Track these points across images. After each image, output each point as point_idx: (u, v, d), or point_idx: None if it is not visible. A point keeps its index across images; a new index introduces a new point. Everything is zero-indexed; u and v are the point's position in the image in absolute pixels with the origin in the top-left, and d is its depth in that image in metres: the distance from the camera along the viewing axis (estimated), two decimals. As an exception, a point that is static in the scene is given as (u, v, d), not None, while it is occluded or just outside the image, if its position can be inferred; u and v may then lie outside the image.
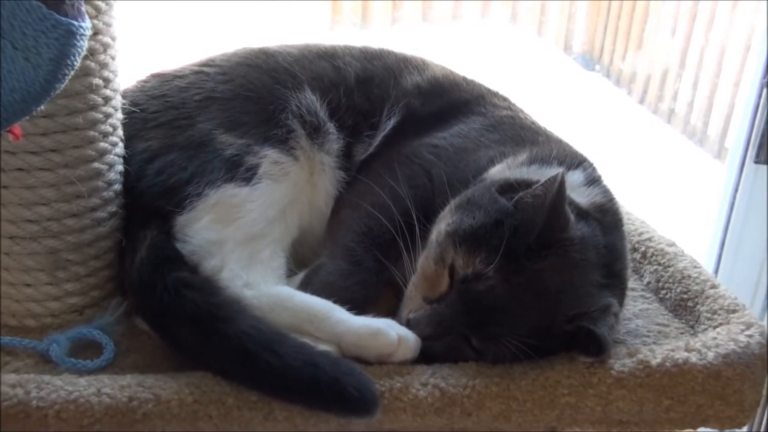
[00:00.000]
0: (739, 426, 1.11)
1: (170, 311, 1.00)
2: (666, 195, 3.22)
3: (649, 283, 1.35)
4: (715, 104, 4.08)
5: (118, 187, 1.15)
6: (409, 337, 1.04)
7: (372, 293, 1.12)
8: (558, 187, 1.02)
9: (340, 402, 0.94)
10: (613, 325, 1.07)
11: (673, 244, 1.37)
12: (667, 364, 1.05)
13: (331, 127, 1.24)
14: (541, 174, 1.14)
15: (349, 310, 1.06)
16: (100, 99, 1.07)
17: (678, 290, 1.27)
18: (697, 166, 3.86)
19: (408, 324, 1.06)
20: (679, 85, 4.31)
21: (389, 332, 1.03)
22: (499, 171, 1.18)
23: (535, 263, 1.03)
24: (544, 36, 4.69)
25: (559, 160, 1.19)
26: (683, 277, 1.28)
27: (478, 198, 1.10)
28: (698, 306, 1.22)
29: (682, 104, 4.30)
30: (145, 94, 1.25)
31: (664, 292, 1.30)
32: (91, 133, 1.07)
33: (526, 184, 1.10)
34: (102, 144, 1.10)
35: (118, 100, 1.13)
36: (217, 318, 0.98)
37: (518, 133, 1.28)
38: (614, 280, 1.12)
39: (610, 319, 1.06)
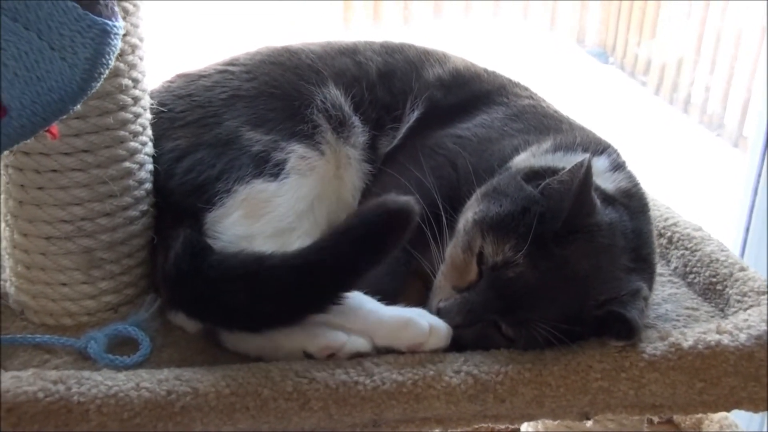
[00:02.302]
0: (774, 408, 1.11)
1: (218, 281, 1.02)
2: (685, 185, 3.20)
3: (676, 268, 1.34)
4: (731, 93, 4.05)
5: (148, 185, 1.17)
6: (440, 325, 1.05)
7: (401, 284, 1.13)
8: (584, 173, 1.02)
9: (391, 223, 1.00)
10: (643, 309, 1.07)
11: (699, 229, 1.37)
12: (699, 346, 1.05)
13: (356, 120, 1.26)
14: (566, 161, 1.15)
15: (379, 300, 1.07)
16: (129, 99, 1.09)
17: (706, 274, 1.27)
18: (715, 155, 3.83)
19: (438, 313, 1.07)
20: (695, 74, 4.29)
21: (420, 321, 1.04)
22: (523, 159, 1.18)
23: (564, 248, 1.04)
24: (557, 31, 4.67)
25: (583, 146, 1.20)
26: (711, 261, 1.28)
27: (504, 186, 1.11)
28: (727, 289, 1.22)
29: (699, 94, 4.28)
30: (171, 94, 1.27)
31: (692, 276, 1.30)
32: (122, 132, 1.09)
33: (551, 171, 1.11)
34: (132, 143, 1.12)
35: (146, 100, 1.15)
36: (263, 261, 1.02)
37: (541, 121, 1.28)
38: (642, 265, 1.12)
39: (640, 302, 1.06)
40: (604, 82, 4.50)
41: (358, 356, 1.03)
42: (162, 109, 1.21)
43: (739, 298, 1.19)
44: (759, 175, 2.09)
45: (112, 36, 0.78)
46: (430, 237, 1.13)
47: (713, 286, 1.25)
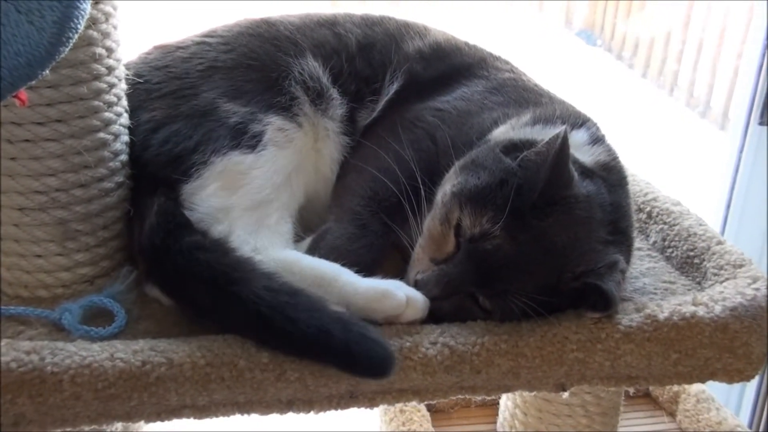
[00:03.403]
0: (747, 379, 1.12)
1: (185, 274, 1.01)
2: (672, 166, 3.21)
3: (655, 242, 1.35)
4: (717, 76, 4.06)
5: (124, 157, 1.15)
6: (417, 297, 1.05)
7: (379, 256, 1.13)
8: (561, 144, 1.02)
9: (352, 366, 0.96)
10: (619, 281, 1.07)
11: (678, 203, 1.38)
12: (675, 318, 1.06)
13: (334, 92, 1.25)
14: (545, 134, 1.14)
15: (356, 272, 1.07)
16: (103, 69, 1.07)
17: (684, 248, 1.27)
18: (701, 137, 3.84)
19: (416, 285, 1.07)
20: (682, 58, 4.30)
21: (397, 293, 1.04)
22: (502, 132, 1.18)
23: (541, 220, 1.04)
24: (545, 12, 4.66)
25: (562, 119, 1.19)
26: (689, 235, 1.28)
27: (482, 158, 1.10)
28: (704, 262, 1.23)
29: (685, 77, 4.28)
30: (148, 65, 1.25)
31: (670, 250, 1.31)
32: (96, 102, 1.08)
33: (530, 144, 1.11)
34: (107, 114, 1.10)
35: (121, 70, 1.13)
36: (231, 280, 0.99)
37: (521, 94, 1.28)
38: (620, 237, 1.12)
39: (617, 275, 1.07)
40: (591, 63, 4.50)
41: (334, 327, 1.02)
42: (138, 80, 1.20)
43: (715, 271, 1.20)
44: (740, 153, 2.10)
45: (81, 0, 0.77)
46: (408, 210, 1.13)
47: (691, 260, 1.26)
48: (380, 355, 0.96)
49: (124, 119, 1.15)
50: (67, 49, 0.80)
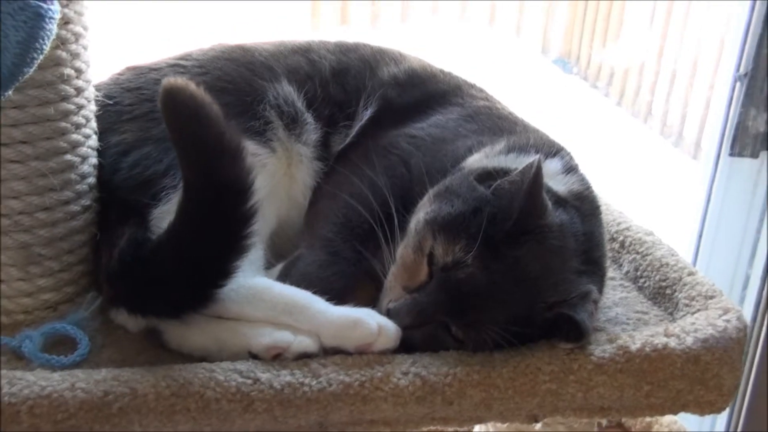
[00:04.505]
0: (719, 411, 1.11)
1: (152, 274, 1.00)
2: (644, 194, 3.24)
3: (627, 272, 1.35)
4: (690, 106, 4.12)
5: (91, 180, 1.13)
6: (389, 326, 1.03)
7: (351, 284, 1.11)
8: (535, 173, 1.01)
9: None
10: (592, 312, 1.07)
11: (650, 233, 1.38)
12: (647, 349, 1.05)
13: (308, 117, 1.24)
14: (519, 162, 1.14)
15: (328, 300, 1.05)
16: (72, 90, 1.06)
17: (656, 278, 1.27)
18: (674, 166, 3.89)
19: (388, 314, 1.05)
20: (656, 86, 4.36)
21: (369, 322, 1.02)
22: (477, 160, 1.18)
23: (514, 250, 1.03)
24: (522, 38, 4.71)
25: (536, 148, 1.19)
26: (661, 265, 1.28)
27: (456, 186, 1.10)
28: (676, 293, 1.23)
29: (659, 106, 4.35)
30: (119, 86, 1.24)
31: (642, 280, 1.30)
32: (63, 124, 1.06)
33: (504, 172, 1.10)
34: (74, 136, 1.08)
35: (90, 92, 1.12)
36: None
37: (496, 123, 1.28)
38: (593, 267, 1.12)
39: (590, 305, 1.06)
40: (566, 91, 4.55)
41: (305, 357, 1.00)
42: (108, 102, 1.18)
43: (687, 302, 1.20)
44: (711, 183, 2.12)
45: (47, 20, 0.75)
46: (382, 237, 1.11)
47: (663, 290, 1.25)
48: None
49: (93, 141, 1.13)
50: (32, 70, 0.78)
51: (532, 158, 1.14)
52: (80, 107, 1.08)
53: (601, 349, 1.05)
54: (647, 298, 1.28)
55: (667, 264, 1.28)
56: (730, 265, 2.08)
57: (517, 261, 1.03)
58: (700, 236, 2.19)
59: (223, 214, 0.96)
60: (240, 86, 1.23)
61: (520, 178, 1.03)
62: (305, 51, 1.33)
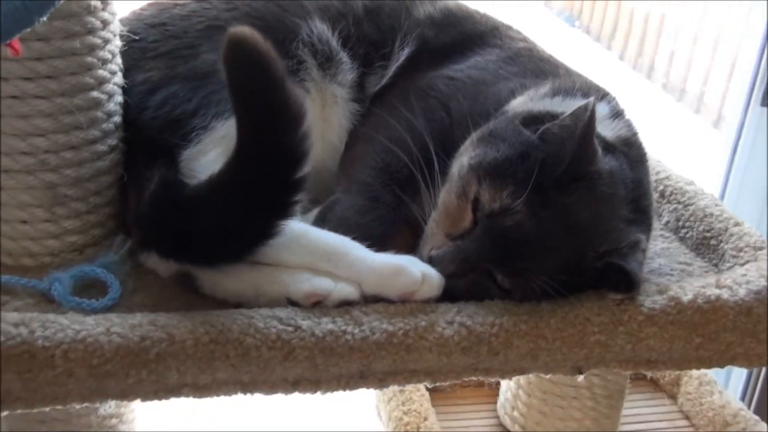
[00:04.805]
0: (766, 364, 1.08)
1: (188, 218, 0.95)
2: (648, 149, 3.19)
3: (668, 222, 1.31)
4: (694, 61, 4.06)
5: (118, 119, 1.07)
6: (432, 274, 0.99)
7: (390, 230, 1.07)
8: (589, 117, 0.96)
9: None
10: (642, 262, 1.03)
11: (691, 183, 1.34)
12: (699, 300, 1.01)
13: (344, 56, 1.17)
14: (566, 106, 1.09)
15: (367, 247, 1.01)
16: (98, 22, 0.99)
17: (700, 228, 1.23)
18: (679, 121, 3.84)
19: (430, 261, 1.01)
20: (659, 40, 4.29)
21: (412, 269, 0.98)
22: (521, 103, 1.12)
23: (564, 196, 0.98)
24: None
25: (582, 92, 1.14)
26: (705, 215, 1.24)
27: (501, 130, 1.05)
28: (722, 244, 1.19)
29: (662, 60, 4.28)
30: (142, 22, 1.17)
31: (684, 231, 1.27)
32: (89, 59, 1.00)
33: (551, 116, 1.05)
34: (101, 71, 1.02)
35: (116, 25, 1.05)
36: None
37: (538, 65, 1.22)
38: (641, 216, 1.07)
39: (639, 255, 1.02)
40: (569, 44, 4.48)
41: (345, 305, 0.96)
42: (134, 37, 1.12)
43: (734, 253, 1.16)
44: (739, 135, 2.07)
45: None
46: (422, 182, 1.07)
47: (707, 241, 1.22)
48: None
49: (119, 78, 1.07)
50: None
51: (579, 102, 1.09)
52: (106, 41, 1.02)
53: (651, 300, 1.01)
54: (690, 248, 1.24)
55: (712, 214, 1.24)
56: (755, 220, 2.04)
57: (567, 208, 0.98)
58: (724, 190, 2.15)
59: (276, 179, 0.92)
60: (271, 23, 1.17)
61: (572, 122, 0.98)
62: None
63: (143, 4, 1.24)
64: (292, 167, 0.91)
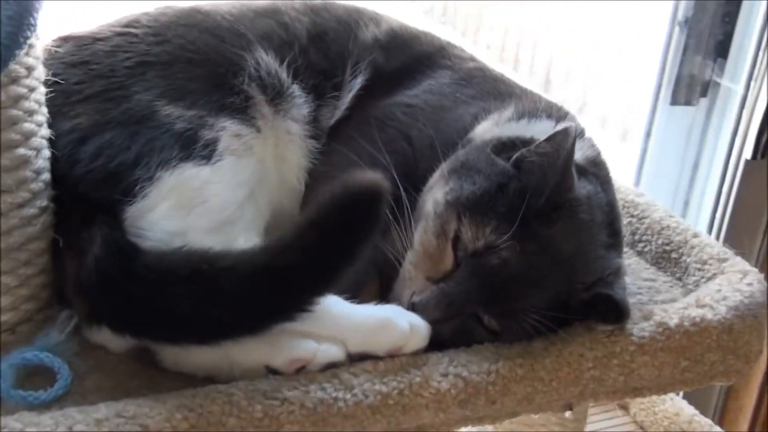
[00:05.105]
0: (743, 377, 1.09)
1: (151, 290, 0.85)
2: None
3: (623, 236, 1.30)
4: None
5: (47, 176, 0.95)
6: (420, 324, 0.92)
7: (365, 277, 0.99)
8: (571, 143, 0.92)
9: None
10: (626, 287, 1.01)
11: (641, 194, 1.33)
12: (686, 323, 1.00)
13: (296, 89, 1.08)
14: (532, 129, 1.05)
15: (345, 299, 0.93)
16: (22, 69, 0.87)
17: (659, 242, 1.23)
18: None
19: (413, 308, 0.94)
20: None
21: (399, 322, 0.91)
22: (486, 129, 1.07)
23: (546, 228, 0.94)
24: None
25: (546, 113, 1.10)
26: (662, 228, 1.24)
27: (473, 161, 0.99)
28: (684, 257, 1.19)
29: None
30: (59, 61, 1.03)
31: (642, 245, 1.26)
32: (14, 112, 0.87)
33: (522, 142, 1.01)
34: (26, 125, 0.89)
35: (41, 71, 0.93)
36: (214, 260, 0.87)
37: (493, 86, 1.18)
38: (616, 239, 1.05)
39: (623, 281, 1.00)
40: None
41: (331, 367, 0.88)
42: (54, 80, 0.98)
43: (699, 266, 1.16)
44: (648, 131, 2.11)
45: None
46: (392, 220, 1.00)
47: (667, 255, 1.21)
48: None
49: (45, 130, 0.94)
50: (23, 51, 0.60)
51: (544, 123, 1.06)
52: (32, 89, 0.89)
53: (639, 327, 0.99)
54: (649, 263, 1.24)
55: (668, 226, 1.23)
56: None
57: (551, 240, 0.94)
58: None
59: (307, 286, 0.87)
60: (209, 56, 1.06)
61: (553, 149, 0.94)
62: (273, 13, 1.17)
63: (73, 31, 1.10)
64: (324, 286, 0.86)
